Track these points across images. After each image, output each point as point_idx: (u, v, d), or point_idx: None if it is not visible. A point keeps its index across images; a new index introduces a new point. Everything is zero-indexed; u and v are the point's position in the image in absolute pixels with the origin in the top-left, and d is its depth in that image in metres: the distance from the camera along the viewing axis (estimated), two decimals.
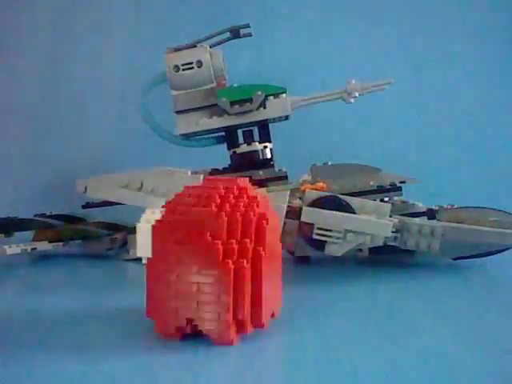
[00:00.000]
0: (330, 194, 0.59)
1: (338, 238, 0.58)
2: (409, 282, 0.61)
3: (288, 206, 0.59)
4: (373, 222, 0.58)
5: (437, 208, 0.68)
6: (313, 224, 0.58)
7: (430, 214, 0.67)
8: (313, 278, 0.64)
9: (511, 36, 0.96)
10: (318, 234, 0.58)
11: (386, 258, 0.66)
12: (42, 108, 0.95)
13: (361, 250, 0.66)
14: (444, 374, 0.37)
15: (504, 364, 0.39)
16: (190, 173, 0.60)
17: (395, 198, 0.68)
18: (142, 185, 0.66)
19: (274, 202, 0.58)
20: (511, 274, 0.66)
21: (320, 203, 0.58)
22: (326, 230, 0.58)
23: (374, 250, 0.64)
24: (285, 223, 0.58)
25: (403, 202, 0.68)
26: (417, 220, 0.62)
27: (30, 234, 0.76)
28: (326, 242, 0.58)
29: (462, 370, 0.38)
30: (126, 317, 0.48)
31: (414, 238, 0.61)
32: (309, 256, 0.69)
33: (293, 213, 0.59)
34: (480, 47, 0.95)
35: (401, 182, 0.67)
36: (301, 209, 0.58)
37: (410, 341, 0.43)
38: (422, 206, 0.67)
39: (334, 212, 0.58)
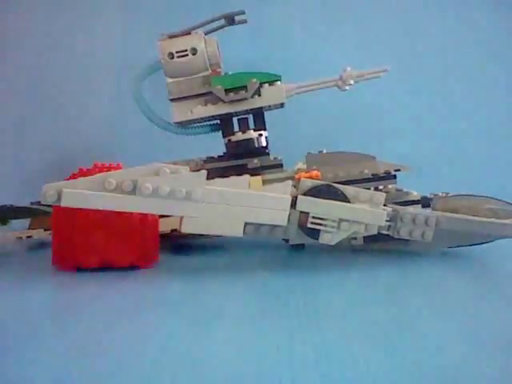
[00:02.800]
0: (324, 182, 0.59)
1: (332, 227, 0.58)
2: (403, 270, 0.61)
3: None
4: (367, 211, 0.58)
5: (431, 196, 0.68)
6: (308, 213, 0.58)
7: (425, 202, 0.67)
8: (307, 265, 0.65)
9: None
10: (313, 223, 0.58)
11: (380, 246, 0.66)
12: (35, 94, 0.94)
13: (355, 238, 0.66)
14: (439, 360, 0.37)
15: (499, 348, 0.40)
16: (189, 169, 0.57)
17: (389, 186, 0.68)
18: (135, 186, 0.54)
19: (276, 194, 0.58)
20: (504, 260, 0.67)
21: (315, 192, 0.58)
22: (321, 219, 0.58)
23: (369, 239, 0.64)
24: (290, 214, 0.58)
25: (398, 190, 0.68)
26: (410, 209, 0.62)
27: (26, 221, 0.76)
28: (320, 230, 0.58)
29: (456, 356, 0.38)
30: None
31: (408, 226, 0.61)
32: (303, 244, 0.69)
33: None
34: (479, 36, 0.95)
35: (395, 170, 0.67)
36: (296, 197, 0.58)
37: (405, 327, 0.44)
38: (416, 194, 0.68)
39: (328, 201, 0.58)
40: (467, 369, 0.37)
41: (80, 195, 0.53)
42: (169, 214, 0.60)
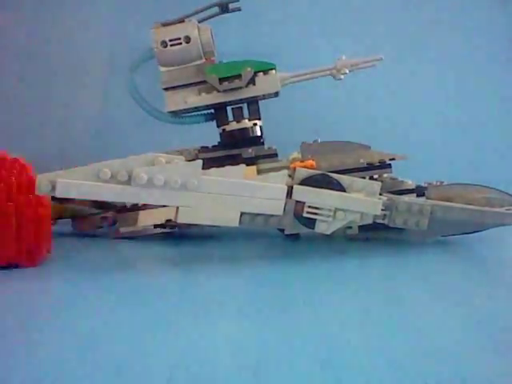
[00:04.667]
0: (320, 172, 0.59)
1: (328, 216, 0.58)
2: (399, 258, 0.62)
3: None
4: (363, 201, 0.58)
5: (426, 185, 0.68)
6: (304, 202, 0.58)
7: (419, 191, 0.67)
8: (303, 254, 0.65)
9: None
10: (309, 212, 0.58)
11: (375, 234, 0.67)
12: (25, 84, 0.93)
13: (350, 227, 0.66)
14: (435, 348, 0.38)
15: (493, 335, 0.40)
16: (183, 158, 0.57)
17: (384, 175, 0.68)
18: (129, 176, 0.53)
19: (272, 184, 0.57)
20: (497, 247, 0.67)
21: (310, 181, 0.58)
22: (317, 208, 0.58)
23: (364, 228, 0.64)
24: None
25: (392, 179, 0.68)
26: (405, 198, 0.62)
27: None
28: (315, 219, 0.58)
29: (452, 343, 0.39)
30: None
31: (403, 215, 0.61)
32: (299, 233, 0.69)
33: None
34: (473, 25, 0.95)
35: (390, 159, 0.67)
36: (292, 187, 0.58)
37: (401, 314, 0.44)
38: (411, 183, 0.68)
39: (324, 190, 0.58)
40: (464, 353, 0.37)
41: (74, 185, 0.52)
42: (164, 204, 0.59)
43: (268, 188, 0.57)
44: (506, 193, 0.67)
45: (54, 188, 0.52)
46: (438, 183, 0.69)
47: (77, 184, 0.52)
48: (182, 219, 0.56)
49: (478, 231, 0.66)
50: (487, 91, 0.96)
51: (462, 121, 0.95)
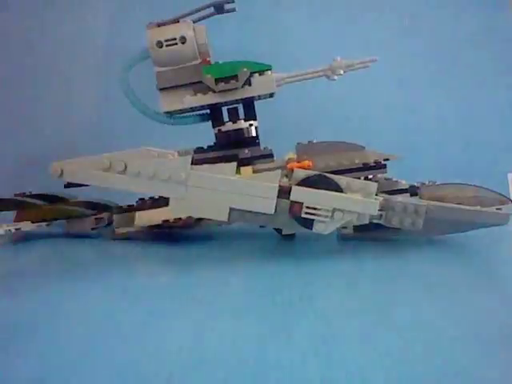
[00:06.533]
0: (317, 172, 0.59)
1: (325, 217, 0.58)
2: (393, 257, 0.62)
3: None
4: (360, 201, 0.59)
5: (419, 185, 0.69)
6: (302, 203, 0.58)
7: (413, 191, 0.68)
8: (298, 254, 0.65)
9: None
10: (307, 213, 0.59)
11: (370, 234, 0.67)
12: (21, 83, 0.92)
13: (345, 226, 0.67)
14: (431, 346, 0.38)
15: (491, 334, 0.41)
16: (177, 154, 0.59)
17: (379, 175, 0.69)
18: (125, 167, 0.58)
19: (264, 183, 0.58)
20: (489, 246, 0.69)
21: (309, 182, 0.59)
22: (315, 209, 0.58)
23: (359, 227, 0.65)
24: (277, 203, 0.58)
25: (387, 179, 0.69)
26: (401, 198, 0.63)
27: (8, 213, 0.75)
28: (313, 220, 0.59)
29: (445, 338, 0.39)
30: None
31: (399, 216, 0.62)
32: (294, 233, 0.70)
33: (281, 192, 0.59)
34: (466, 25, 0.97)
35: (385, 160, 0.68)
36: (290, 187, 0.59)
37: (399, 313, 0.45)
38: (404, 183, 0.69)
39: (322, 191, 0.58)
40: (462, 352, 0.38)
41: (78, 172, 0.59)
42: (154, 194, 0.64)
43: (259, 186, 0.58)
44: (497, 192, 0.69)
45: (62, 173, 0.60)
46: (431, 183, 0.70)
47: (80, 171, 0.59)
48: (173, 211, 0.58)
49: (471, 230, 0.67)
50: (481, 92, 0.97)
51: (454, 121, 0.96)
